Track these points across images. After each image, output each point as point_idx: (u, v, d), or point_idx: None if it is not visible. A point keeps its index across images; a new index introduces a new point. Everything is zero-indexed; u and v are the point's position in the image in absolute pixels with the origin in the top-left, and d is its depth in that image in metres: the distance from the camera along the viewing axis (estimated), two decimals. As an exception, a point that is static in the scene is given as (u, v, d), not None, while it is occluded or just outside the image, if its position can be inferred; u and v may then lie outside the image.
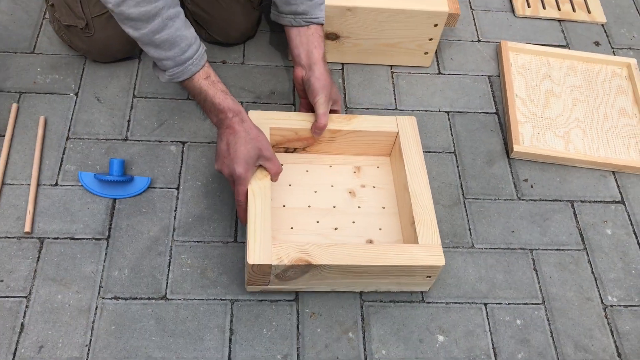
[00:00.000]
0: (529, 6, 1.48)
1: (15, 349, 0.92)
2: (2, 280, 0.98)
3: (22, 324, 0.95)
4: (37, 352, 0.92)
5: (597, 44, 1.44)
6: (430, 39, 1.28)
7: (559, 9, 1.49)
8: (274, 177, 1.01)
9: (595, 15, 1.48)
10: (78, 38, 1.20)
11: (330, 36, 1.27)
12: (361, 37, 1.27)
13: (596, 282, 1.09)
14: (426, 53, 1.32)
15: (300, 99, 1.14)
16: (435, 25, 1.25)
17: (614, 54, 1.43)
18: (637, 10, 1.52)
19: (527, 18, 1.47)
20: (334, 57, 1.32)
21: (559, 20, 1.47)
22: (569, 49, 1.42)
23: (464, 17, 1.45)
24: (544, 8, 1.48)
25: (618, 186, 1.21)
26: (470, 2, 1.48)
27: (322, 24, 1.10)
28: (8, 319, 0.95)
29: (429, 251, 0.96)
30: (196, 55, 0.97)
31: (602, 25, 1.48)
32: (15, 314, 0.96)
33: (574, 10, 1.49)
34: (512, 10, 1.48)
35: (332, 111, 1.10)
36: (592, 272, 1.10)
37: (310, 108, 1.09)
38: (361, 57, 1.33)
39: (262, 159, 0.99)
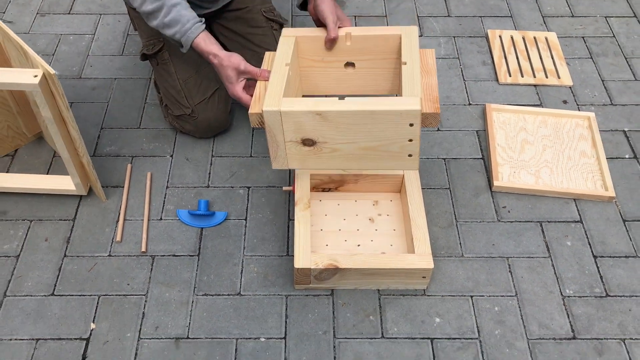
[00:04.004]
0: (510, 75, 1.90)
1: (140, 329, 1.35)
2: (128, 284, 1.42)
3: (143, 313, 1.38)
4: (154, 330, 1.35)
5: (565, 102, 1.84)
6: (410, 140, 1.18)
7: (534, 76, 1.90)
8: (261, 78, 1.33)
9: (564, 79, 1.89)
10: (187, 123, 1.65)
11: (307, 142, 1.20)
12: (338, 141, 1.21)
13: (557, 280, 1.45)
14: (410, 155, 1.21)
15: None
16: (411, 125, 1.16)
17: (579, 110, 1.82)
18: (599, 74, 1.91)
19: (509, 85, 1.88)
20: (314, 164, 1.25)
21: (535, 85, 1.88)
22: (542, 107, 1.82)
23: (458, 86, 1.87)
24: (522, 76, 1.89)
25: (577, 209, 1.58)
26: (463, 75, 1.91)
27: None
28: (134, 310, 1.38)
29: (421, 258, 1.35)
30: (194, 27, 1.37)
31: (570, 87, 1.88)
32: (139, 306, 1.39)
33: (547, 77, 1.89)
34: (497, 79, 1.90)
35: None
36: (555, 273, 1.46)
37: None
38: (343, 163, 1.26)
39: (242, 74, 1.35)
